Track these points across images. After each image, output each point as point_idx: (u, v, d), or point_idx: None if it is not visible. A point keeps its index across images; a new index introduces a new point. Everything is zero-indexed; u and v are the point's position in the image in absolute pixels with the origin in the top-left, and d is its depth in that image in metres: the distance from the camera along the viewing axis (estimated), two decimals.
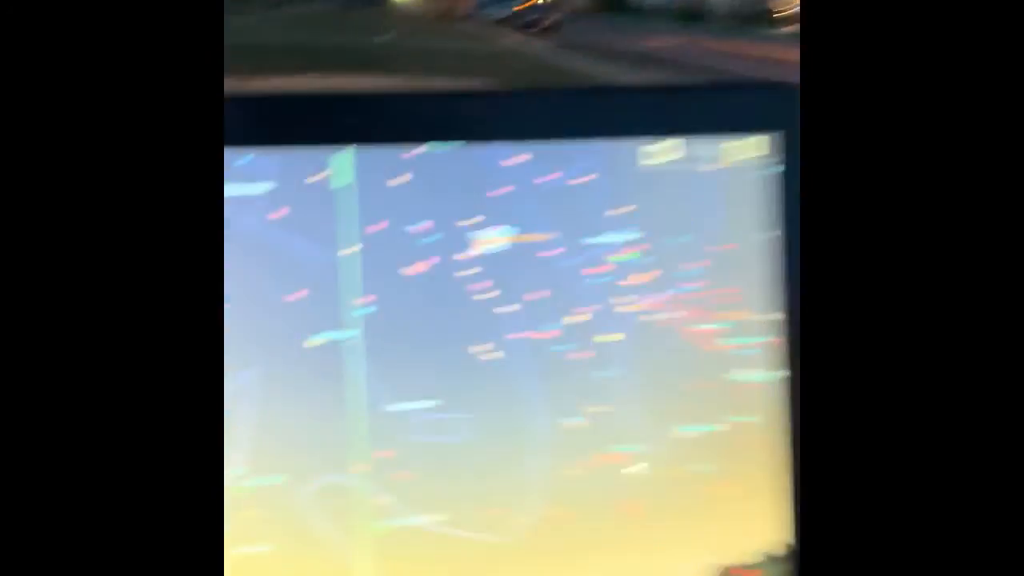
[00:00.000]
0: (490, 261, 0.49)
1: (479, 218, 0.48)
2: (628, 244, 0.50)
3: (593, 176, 0.50)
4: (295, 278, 0.46)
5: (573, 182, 0.50)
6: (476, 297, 0.48)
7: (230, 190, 0.45)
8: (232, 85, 0.45)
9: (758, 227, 0.50)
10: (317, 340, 0.47)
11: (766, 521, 0.49)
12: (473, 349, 0.48)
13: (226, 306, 0.45)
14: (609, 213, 0.50)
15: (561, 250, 0.49)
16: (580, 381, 0.49)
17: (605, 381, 0.50)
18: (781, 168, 0.49)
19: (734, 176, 0.50)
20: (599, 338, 0.50)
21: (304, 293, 0.47)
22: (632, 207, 0.50)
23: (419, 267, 0.48)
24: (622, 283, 0.50)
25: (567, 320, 0.49)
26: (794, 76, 0.36)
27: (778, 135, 0.49)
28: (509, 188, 0.49)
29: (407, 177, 0.48)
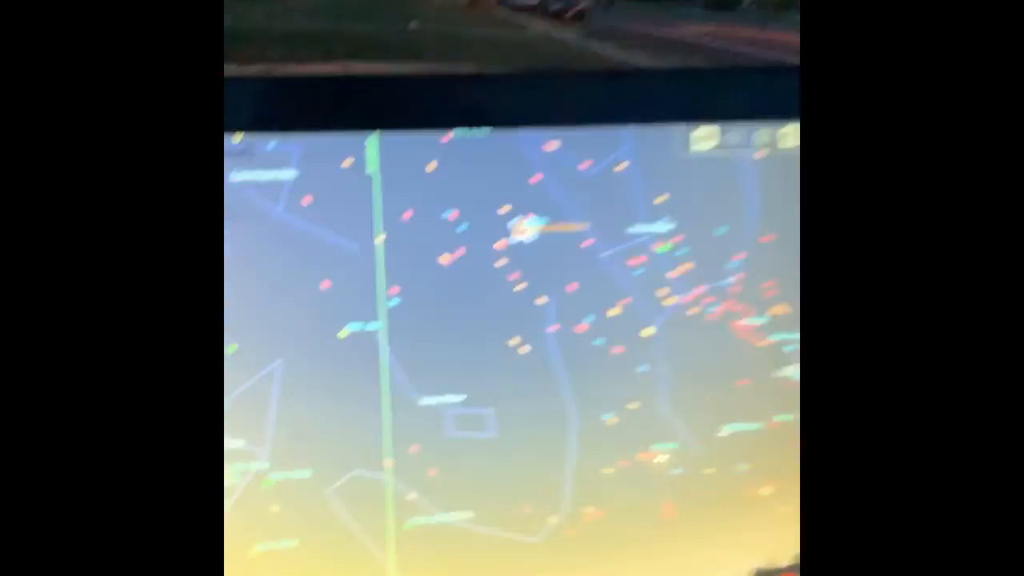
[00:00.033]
0: (520, 251, 0.47)
1: (508, 207, 0.47)
2: (663, 235, 0.48)
3: (626, 164, 0.48)
4: (319, 267, 0.45)
5: (606, 170, 0.48)
6: (506, 288, 0.47)
7: (255, 176, 0.44)
8: (258, 70, 0.44)
9: (798, 217, 0.47)
10: (343, 331, 0.46)
11: None
12: (503, 342, 0.47)
13: (249, 296, 0.44)
14: (643, 202, 0.48)
15: (593, 240, 0.48)
16: (614, 376, 0.48)
17: (639, 376, 0.48)
18: None
19: (772, 164, 0.48)
20: (633, 332, 0.48)
21: (329, 283, 0.45)
22: (667, 196, 0.48)
23: (447, 257, 0.46)
24: (657, 275, 0.48)
25: (600, 313, 0.48)
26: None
27: None
28: (539, 176, 0.47)
29: (434, 164, 0.46)
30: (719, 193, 0.47)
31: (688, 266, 0.48)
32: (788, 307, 0.48)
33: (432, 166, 0.46)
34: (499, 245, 0.47)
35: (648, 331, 0.48)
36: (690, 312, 0.48)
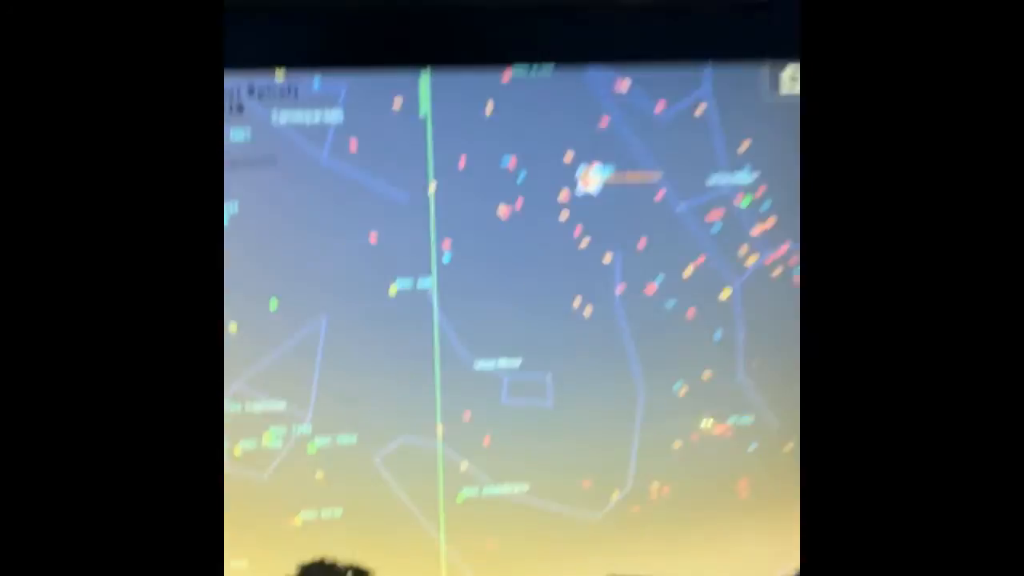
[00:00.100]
0: (585, 203, 0.43)
1: (573, 154, 0.42)
2: (745, 187, 0.43)
3: (705, 106, 0.43)
4: (367, 218, 0.42)
5: (682, 114, 0.43)
6: (569, 244, 0.43)
7: (298, 118, 0.41)
8: (294, 1, 0.40)
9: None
10: (392, 288, 0.42)
11: None
12: (564, 303, 0.43)
13: (291, 247, 0.41)
14: (724, 150, 0.43)
15: (666, 192, 0.43)
16: (685, 342, 0.43)
17: (714, 343, 0.44)
18: None
19: None
20: (709, 294, 0.43)
21: (376, 236, 0.42)
22: (750, 143, 0.43)
23: (504, 209, 0.42)
24: (737, 231, 0.43)
25: (672, 272, 0.43)
26: None
27: None
28: (608, 120, 0.42)
29: (492, 106, 0.42)
30: None
31: (772, 221, 0.43)
32: None
33: (490, 108, 0.42)
34: (562, 196, 0.43)
35: (726, 293, 0.43)
36: (774, 273, 0.44)
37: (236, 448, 0.42)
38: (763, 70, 0.43)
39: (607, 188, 0.43)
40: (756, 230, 0.43)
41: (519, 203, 0.42)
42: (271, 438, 0.42)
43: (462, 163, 0.42)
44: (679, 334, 0.43)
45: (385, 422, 0.43)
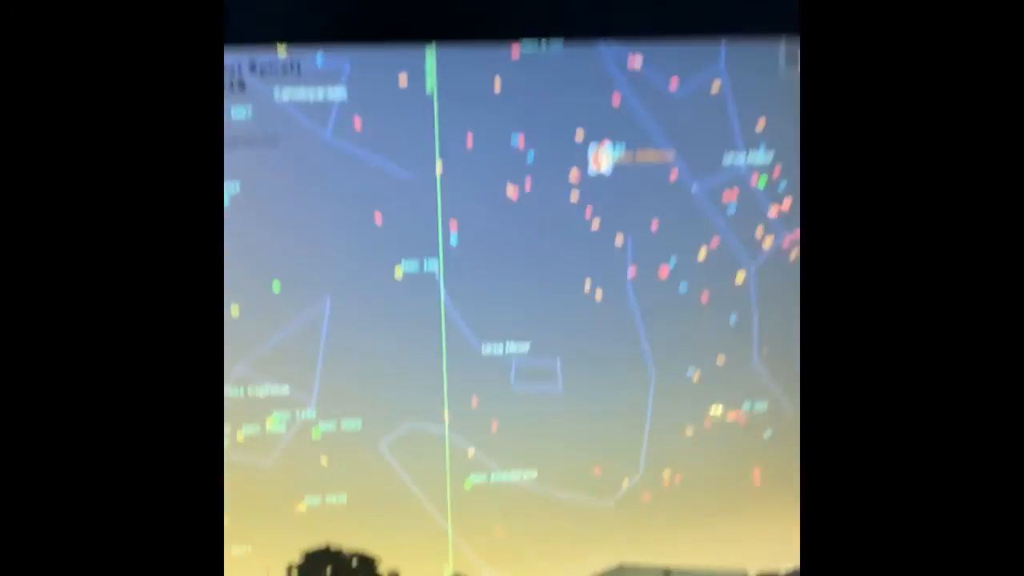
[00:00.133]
0: (596, 183, 0.41)
1: (584, 132, 0.41)
2: (761, 166, 0.42)
3: (720, 83, 0.42)
4: (371, 198, 0.41)
5: (697, 90, 0.41)
6: (579, 226, 0.42)
7: (301, 95, 0.40)
8: None
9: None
10: (397, 270, 0.41)
11: None
12: (574, 286, 0.42)
13: (294, 228, 0.40)
14: (740, 129, 0.42)
15: (680, 172, 0.42)
16: (699, 326, 0.42)
17: (728, 327, 0.42)
18: None
19: None
20: (723, 277, 0.42)
21: (381, 216, 0.41)
22: (767, 121, 0.42)
23: (513, 189, 0.41)
24: (753, 213, 0.42)
25: (685, 255, 0.42)
26: None
27: None
28: (620, 96, 0.41)
29: (500, 82, 0.41)
30: None
31: (789, 203, 0.42)
32: None
33: (498, 85, 0.41)
34: (572, 176, 0.41)
35: (740, 276, 0.42)
36: (791, 256, 0.42)
37: (239, 433, 0.41)
38: (779, 46, 0.41)
39: (619, 167, 0.41)
40: (772, 211, 0.42)
41: (528, 183, 0.41)
42: (274, 423, 0.41)
43: (469, 142, 0.41)
44: (692, 318, 0.42)
45: (391, 407, 0.42)
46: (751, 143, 0.42)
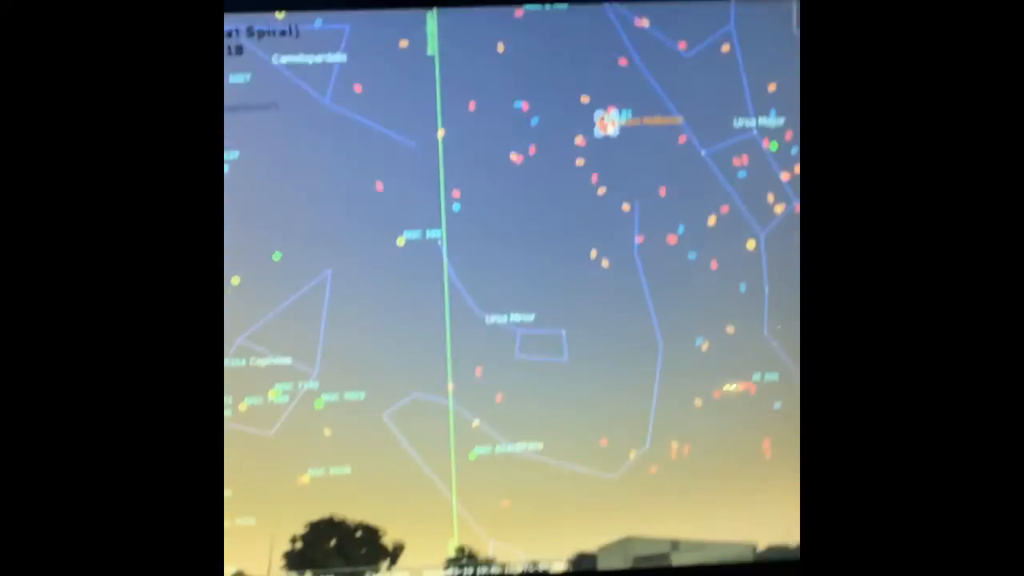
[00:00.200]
0: (603, 148, 0.40)
1: (589, 97, 0.40)
2: (773, 130, 0.41)
3: (728, 45, 0.40)
4: (372, 165, 0.40)
5: (706, 52, 0.40)
6: (585, 192, 0.41)
7: (299, 59, 0.39)
8: None
9: None
10: (399, 239, 0.40)
11: None
12: (580, 254, 0.41)
13: (294, 197, 0.40)
14: (751, 91, 0.40)
15: (689, 136, 0.41)
16: (708, 295, 0.41)
17: (738, 296, 0.41)
18: None
19: None
20: (733, 244, 0.41)
21: (383, 184, 0.40)
22: (775, 85, 0.41)
23: (517, 155, 0.40)
24: (764, 178, 0.41)
25: (694, 222, 0.41)
26: None
27: None
28: (627, 59, 0.40)
29: (503, 45, 0.40)
30: None
31: (797, 168, 0.41)
32: None
33: (501, 47, 0.40)
34: (578, 141, 0.40)
35: (751, 244, 0.41)
36: (797, 223, 0.41)
37: (241, 404, 0.41)
38: (791, 5, 0.40)
39: (625, 131, 0.40)
40: (784, 176, 0.41)
41: (532, 149, 0.40)
42: (277, 394, 0.41)
43: (472, 107, 0.40)
44: (701, 287, 0.41)
45: (394, 378, 0.41)
46: (762, 106, 0.41)
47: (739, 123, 0.40)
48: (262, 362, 0.41)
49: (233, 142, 0.39)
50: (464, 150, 0.40)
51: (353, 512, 0.41)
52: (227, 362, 0.40)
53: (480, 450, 0.41)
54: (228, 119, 0.39)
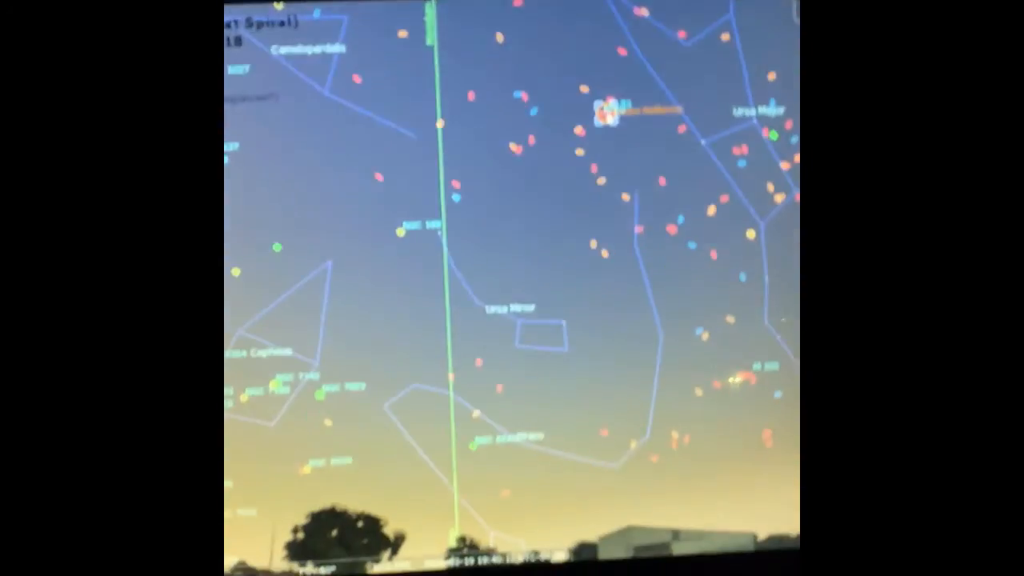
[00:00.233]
0: (602, 138, 0.40)
1: (589, 87, 0.40)
2: (773, 119, 0.41)
3: (727, 36, 0.40)
4: (372, 156, 0.40)
5: (706, 41, 0.40)
6: (585, 182, 0.41)
7: (298, 50, 0.39)
8: None
9: None
10: (399, 230, 0.41)
11: None
12: (580, 244, 0.41)
13: (294, 189, 0.40)
14: (751, 80, 0.40)
15: (686, 127, 0.40)
16: (708, 285, 0.41)
17: (738, 286, 0.41)
18: None
19: None
20: (733, 234, 0.41)
21: (382, 175, 0.40)
22: (775, 74, 0.41)
23: (515, 146, 0.40)
24: (764, 167, 0.41)
25: (694, 211, 0.41)
26: None
27: None
28: (623, 51, 0.40)
29: (500, 36, 0.40)
30: None
31: (797, 157, 0.41)
32: None
33: (500, 37, 0.40)
34: (578, 131, 0.40)
35: (751, 233, 0.41)
36: (798, 213, 0.41)
37: (243, 395, 0.41)
38: None
39: (625, 121, 0.40)
40: (784, 166, 0.41)
41: (532, 139, 0.40)
42: (278, 384, 0.41)
43: (471, 97, 0.40)
44: (701, 277, 0.41)
45: (395, 369, 0.41)
46: (762, 96, 0.40)
47: (739, 112, 0.40)
48: (263, 353, 0.41)
49: (232, 133, 0.39)
50: (464, 140, 0.40)
51: (354, 502, 0.41)
52: (228, 353, 0.40)
53: (481, 440, 0.42)
54: (227, 110, 0.39)
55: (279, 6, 0.38)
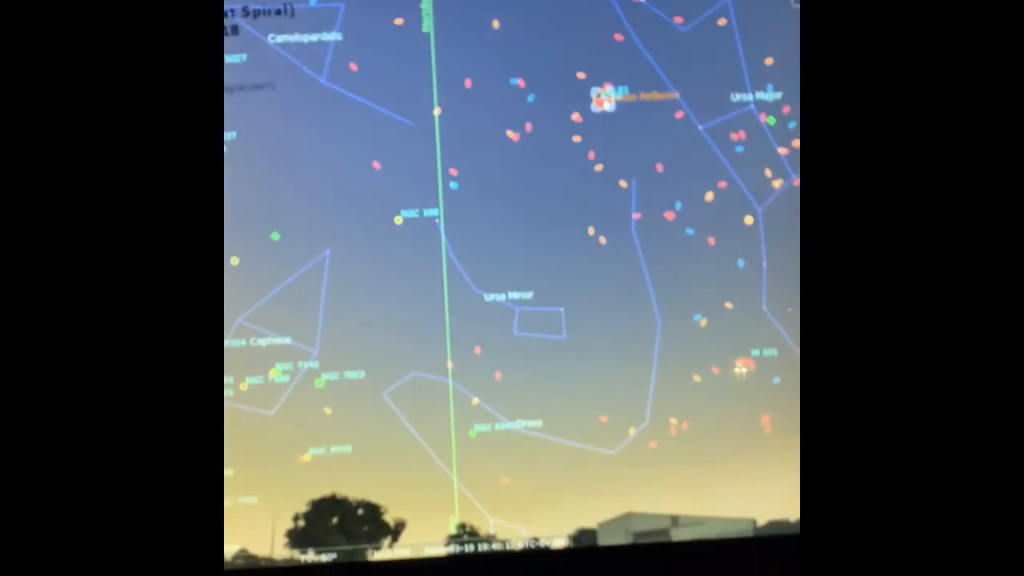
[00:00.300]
0: (599, 125, 0.40)
1: (585, 73, 0.40)
2: (771, 104, 0.41)
3: (723, 21, 0.40)
4: (369, 144, 0.40)
5: (703, 26, 0.40)
6: (582, 169, 0.41)
7: (295, 38, 0.39)
8: None
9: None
10: (397, 218, 0.41)
11: None
12: (578, 231, 0.41)
13: (291, 177, 0.40)
14: (748, 66, 0.40)
15: (683, 113, 0.40)
16: (706, 271, 0.41)
17: (736, 272, 0.41)
18: None
19: None
20: (731, 220, 0.41)
21: (379, 163, 0.40)
22: (772, 59, 0.40)
23: (512, 133, 0.40)
24: (762, 152, 0.41)
25: (692, 198, 0.41)
26: None
27: None
28: (620, 36, 0.40)
29: (496, 23, 0.40)
30: None
31: (795, 143, 0.41)
32: None
33: (496, 24, 0.40)
34: (575, 118, 0.40)
35: (749, 219, 0.41)
36: (796, 197, 0.41)
37: (242, 384, 0.41)
38: None
39: (622, 107, 0.40)
40: (782, 151, 0.41)
41: (529, 126, 0.40)
42: (277, 373, 0.41)
43: (468, 84, 0.40)
44: (699, 263, 0.41)
45: (394, 357, 0.41)
46: (759, 81, 0.40)
47: (736, 98, 0.40)
48: (262, 342, 0.41)
49: (230, 123, 0.39)
50: (461, 128, 0.40)
51: (354, 490, 0.42)
52: (227, 342, 0.40)
53: (480, 428, 0.42)
54: (225, 100, 0.39)
55: None
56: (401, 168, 0.40)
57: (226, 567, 0.40)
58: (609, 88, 0.40)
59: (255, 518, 0.41)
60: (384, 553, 0.41)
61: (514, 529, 0.42)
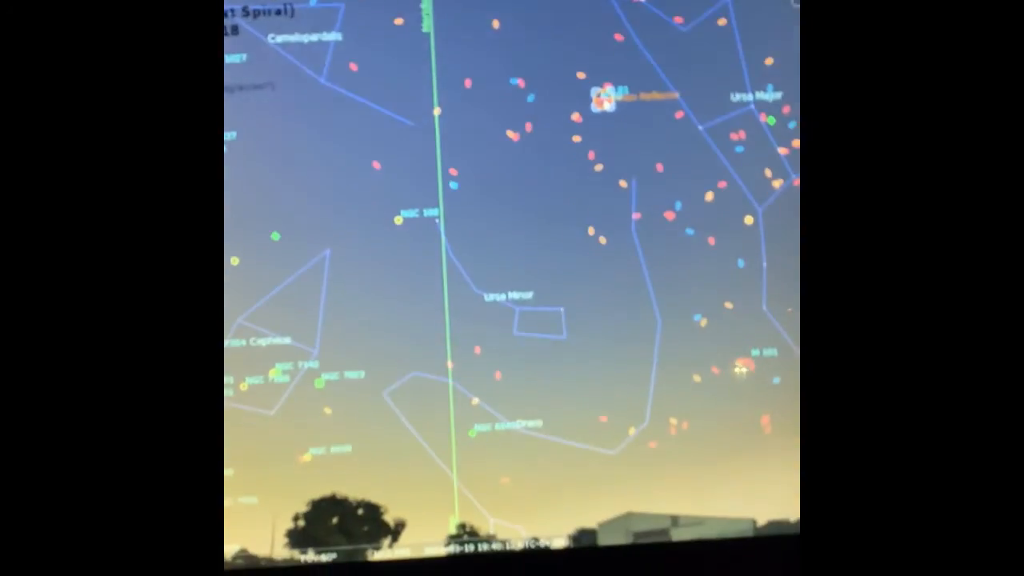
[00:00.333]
0: (599, 125, 0.40)
1: (585, 73, 0.40)
2: (771, 104, 0.41)
3: (723, 21, 0.40)
4: (369, 144, 0.40)
5: (703, 26, 0.40)
6: (583, 169, 0.41)
7: (295, 38, 0.39)
8: None
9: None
10: (397, 219, 0.41)
11: None
12: (578, 231, 0.41)
13: (291, 177, 0.40)
14: (748, 66, 0.40)
15: (683, 113, 0.40)
16: (706, 271, 0.41)
17: (736, 272, 0.41)
18: None
19: None
20: (731, 220, 0.41)
21: (379, 164, 0.40)
22: (772, 59, 0.40)
23: (512, 133, 0.40)
24: (762, 152, 0.41)
25: (692, 198, 0.41)
26: None
27: None
28: (620, 36, 0.40)
29: (496, 23, 0.40)
30: None
31: (795, 143, 0.41)
32: None
33: (496, 24, 0.40)
34: (575, 118, 0.40)
35: (749, 219, 0.41)
36: (796, 197, 0.41)
37: (242, 384, 0.41)
38: None
39: (622, 107, 0.40)
40: (782, 151, 0.41)
41: (529, 126, 0.40)
42: (277, 373, 0.41)
43: (468, 84, 0.40)
44: (699, 263, 0.41)
45: (394, 357, 0.41)
46: (759, 81, 0.40)
47: (736, 98, 0.40)
48: (262, 342, 0.41)
49: (230, 123, 0.39)
50: (461, 128, 0.40)
51: (354, 490, 0.42)
52: (227, 342, 0.40)
53: (480, 427, 0.42)
54: (225, 100, 0.39)
55: None
56: (401, 168, 0.40)
57: (226, 567, 0.40)
58: (609, 88, 0.40)
59: (255, 518, 0.41)
60: (384, 553, 0.41)
61: (514, 529, 0.42)
